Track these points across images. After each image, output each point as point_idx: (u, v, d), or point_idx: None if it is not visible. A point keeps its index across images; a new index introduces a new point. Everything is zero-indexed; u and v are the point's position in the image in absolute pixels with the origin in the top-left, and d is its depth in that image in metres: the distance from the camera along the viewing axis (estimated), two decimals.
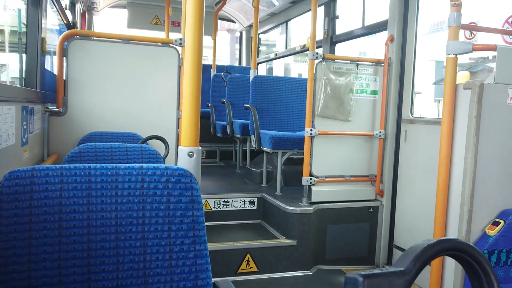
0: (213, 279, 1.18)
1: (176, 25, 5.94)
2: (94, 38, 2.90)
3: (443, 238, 0.56)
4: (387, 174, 3.50)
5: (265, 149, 3.84)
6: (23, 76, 2.58)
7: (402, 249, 3.39)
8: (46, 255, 1.00)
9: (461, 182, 2.32)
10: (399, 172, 3.44)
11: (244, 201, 3.72)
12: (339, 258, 3.43)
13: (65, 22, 4.06)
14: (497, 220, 2.30)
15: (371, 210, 3.51)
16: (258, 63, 6.47)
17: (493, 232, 2.24)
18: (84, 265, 1.04)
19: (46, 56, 2.75)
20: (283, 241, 3.24)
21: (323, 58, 3.35)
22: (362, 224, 3.49)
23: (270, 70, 8.84)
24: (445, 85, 2.38)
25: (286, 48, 5.99)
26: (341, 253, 3.44)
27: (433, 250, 0.54)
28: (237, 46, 7.52)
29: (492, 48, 2.33)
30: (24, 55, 2.59)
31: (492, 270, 0.56)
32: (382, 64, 3.46)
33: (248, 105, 4.20)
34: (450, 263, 2.36)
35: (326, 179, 3.41)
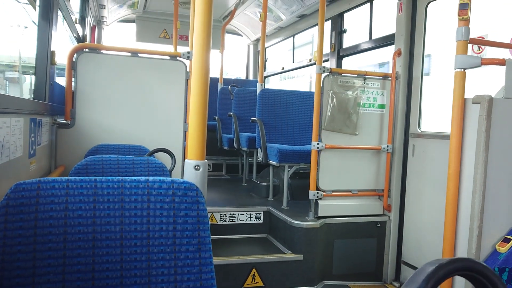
0: None
1: (184, 38, 6.01)
2: (103, 51, 2.93)
3: (456, 257, 0.54)
4: (394, 189, 3.46)
5: (271, 162, 3.82)
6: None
7: (410, 265, 3.33)
8: (50, 268, 1.00)
9: (470, 197, 2.28)
10: (407, 186, 3.40)
11: (250, 214, 3.69)
12: (346, 274, 3.38)
13: (74, 35, 4.12)
14: (508, 237, 2.25)
15: (379, 225, 3.46)
16: (265, 77, 6.49)
17: (503, 249, 2.19)
18: (89, 279, 1.03)
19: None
20: (289, 255, 3.19)
21: (330, 72, 3.35)
22: (370, 239, 3.44)
23: None
24: (454, 100, 2.36)
25: (293, 61, 6.01)
26: (348, 269, 3.39)
27: (446, 270, 0.52)
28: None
29: (501, 62, 2.31)
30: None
31: None
32: (390, 78, 3.45)
33: (255, 118, 4.20)
34: (460, 282, 2.31)
35: (333, 193, 3.38)
